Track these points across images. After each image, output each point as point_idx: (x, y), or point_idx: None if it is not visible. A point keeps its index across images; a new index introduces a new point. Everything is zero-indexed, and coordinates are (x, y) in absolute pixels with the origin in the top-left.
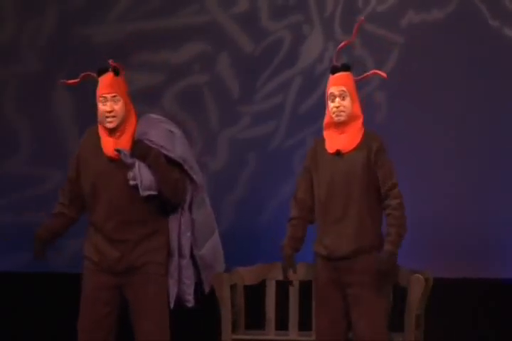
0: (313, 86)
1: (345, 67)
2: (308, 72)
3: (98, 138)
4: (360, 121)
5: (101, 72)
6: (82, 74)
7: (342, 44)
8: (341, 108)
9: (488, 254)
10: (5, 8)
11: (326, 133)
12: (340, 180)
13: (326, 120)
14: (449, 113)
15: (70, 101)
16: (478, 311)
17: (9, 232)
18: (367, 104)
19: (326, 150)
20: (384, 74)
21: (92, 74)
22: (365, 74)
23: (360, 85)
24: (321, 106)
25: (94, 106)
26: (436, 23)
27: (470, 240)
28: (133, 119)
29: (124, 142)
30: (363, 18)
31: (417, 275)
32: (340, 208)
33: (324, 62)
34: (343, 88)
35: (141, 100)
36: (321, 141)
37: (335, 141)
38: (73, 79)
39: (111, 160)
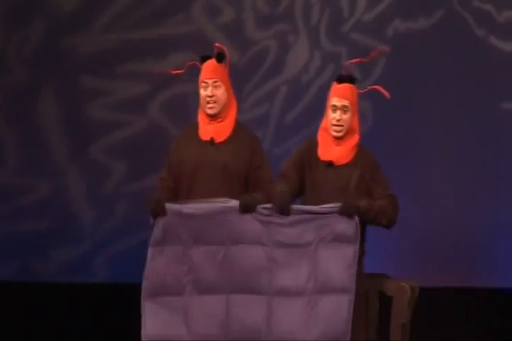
0: (299, 95)
1: (352, 79)
2: (294, 81)
3: (194, 131)
4: (357, 135)
5: (204, 58)
6: (188, 63)
7: (355, 60)
8: (341, 122)
9: (476, 264)
10: None
11: (321, 138)
12: (331, 194)
13: (324, 125)
14: (434, 122)
15: (57, 111)
16: (466, 320)
17: None
18: None
19: (317, 154)
20: (387, 94)
21: (196, 63)
22: (369, 88)
23: None
24: (307, 115)
25: (80, 117)
26: (422, 31)
27: (458, 250)
28: (234, 106)
29: (225, 128)
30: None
31: (402, 284)
32: None
33: (310, 71)
34: (347, 103)
35: (126, 109)
36: (314, 143)
37: (329, 151)
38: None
39: (207, 144)
